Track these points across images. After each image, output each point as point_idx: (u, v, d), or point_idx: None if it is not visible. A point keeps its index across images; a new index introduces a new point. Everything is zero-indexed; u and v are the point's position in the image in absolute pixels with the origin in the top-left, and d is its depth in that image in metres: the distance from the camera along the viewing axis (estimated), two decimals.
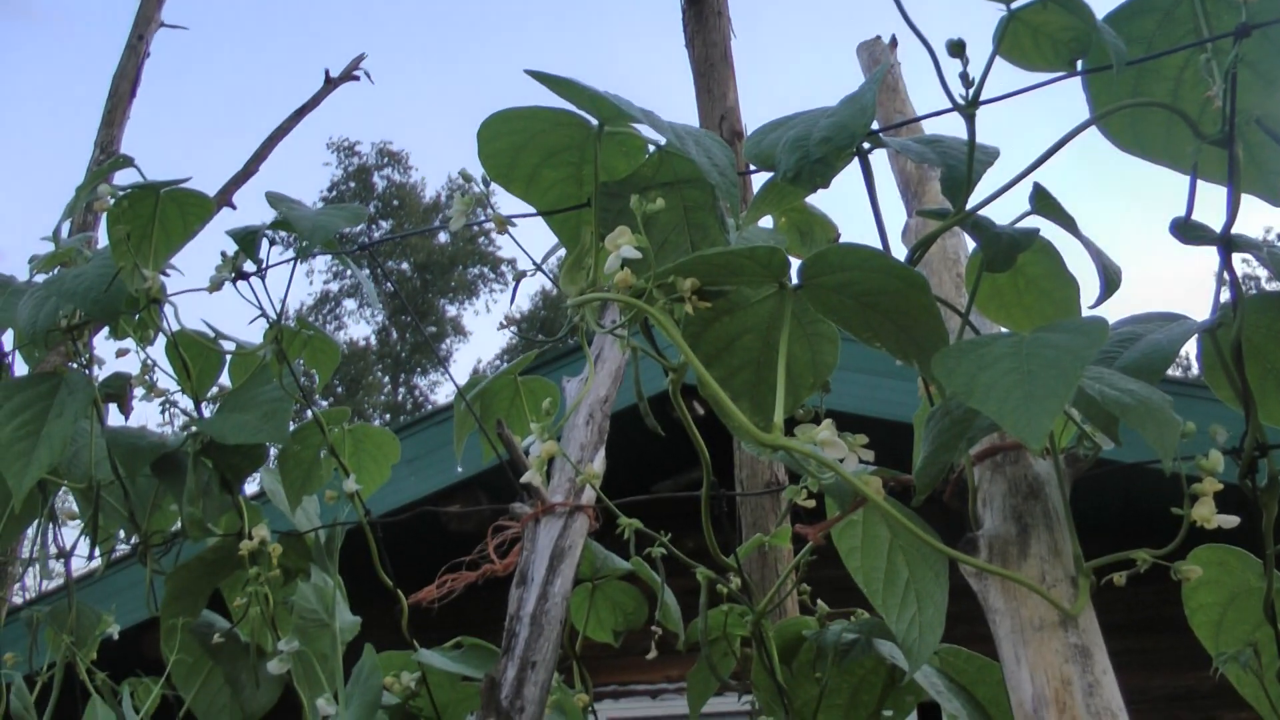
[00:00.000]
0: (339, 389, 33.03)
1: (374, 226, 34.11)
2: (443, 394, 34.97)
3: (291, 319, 2.02)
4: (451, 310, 35.78)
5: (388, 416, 32.92)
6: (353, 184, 35.72)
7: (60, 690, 2.30)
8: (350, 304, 35.27)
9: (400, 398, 34.61)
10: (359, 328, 35.36)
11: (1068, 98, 1.33)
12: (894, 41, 2.05)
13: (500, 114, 1.25)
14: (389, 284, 34.16)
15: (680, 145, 1.12)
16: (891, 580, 1.49)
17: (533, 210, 1.33)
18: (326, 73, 4.29)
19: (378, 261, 32.69)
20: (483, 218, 1.33)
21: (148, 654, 2.68)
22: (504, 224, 1.28)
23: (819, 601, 1.83)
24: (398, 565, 1.96)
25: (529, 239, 1.41)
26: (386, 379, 34.77)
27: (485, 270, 35.90)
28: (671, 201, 1.25)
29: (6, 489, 2.29)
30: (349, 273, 33.36)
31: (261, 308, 1.88)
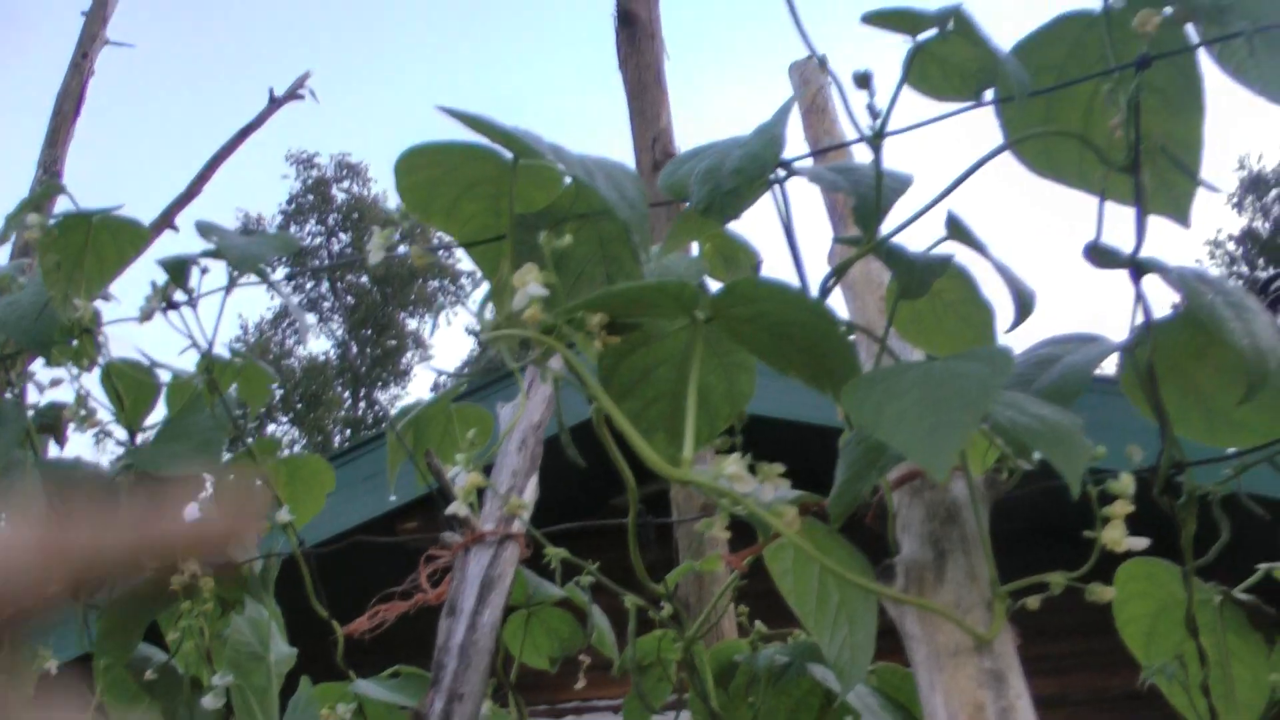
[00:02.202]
0: (299, 405, 32.96)
1: (333, 240, 34.13)
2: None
3: (244, 341, 2.02)
4: (412, 324, 35.73)
5: (348, 431, 32.85)
6: (311, 196, 35.60)
7: None
8: (310, 318, 35.18)
9: (360, 412, 34.53)
10: (319, 342, 35.26)
11: (988, 123, 1.35)
12: (823, 61, 2.06)
13: (417, 148, 1.25)
14: (349, 297, 34.09)
15: (589, 180, 1.13)
16: (823, 603, 1.50)
17: (454, 241, 1.34)
18: (271, 92, 4.27)
19: (339, 276, 32.64)
20: (401, 251, 1.33)
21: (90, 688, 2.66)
22: (423, 259, 1.29)
23: (756, 623, 1.83)
24: (339, 592, 1.95)
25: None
26: (347, 394, 34.68)
27: (445, 283, 35.86)
28: (587, 234, 1.26)
29: None
30: (309, 286, 33.33)
31: (192, 337, 1.88)
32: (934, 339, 1.42)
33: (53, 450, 2.16)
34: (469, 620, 1.50)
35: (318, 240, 34.57)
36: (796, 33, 1.17)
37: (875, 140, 1.15)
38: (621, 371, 1.19)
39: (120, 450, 2.07)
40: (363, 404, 34.93)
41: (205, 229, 1.81)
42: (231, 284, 1.83)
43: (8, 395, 2.14)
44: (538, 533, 1.62)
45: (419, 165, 1.27)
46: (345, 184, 36.37)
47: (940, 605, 1.14)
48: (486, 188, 1.29)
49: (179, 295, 1.90)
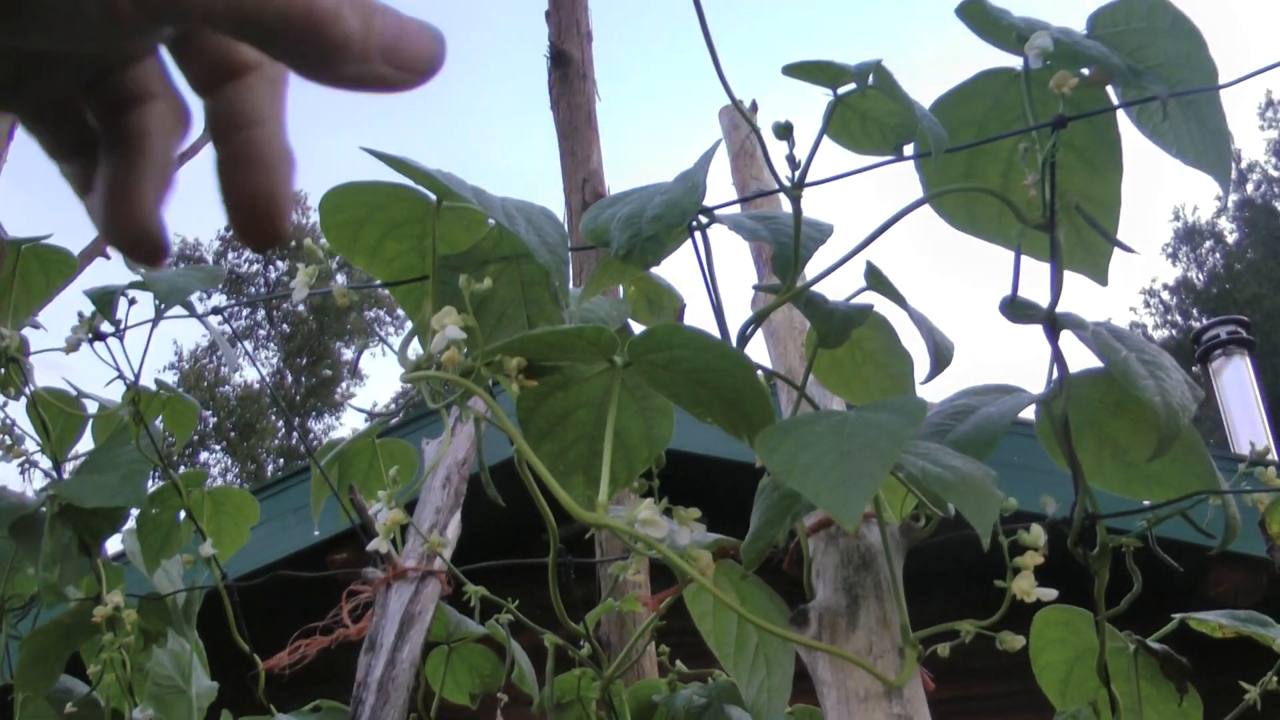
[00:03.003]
0: (232, 433, 32.72)
1: (270, 267, 33.95)
2: (339, 435, 34.71)
3: (178, 368, 2.01)
4: (347, 353, 35.57)
5: (281, 461, 32.62)
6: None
7: None
8: (247, 344, 34.94)
9: (294, 442, 34.32)
10: (251, 371, 35.01)
11: (908, 177, 1.37)
12: (754, 106, 2.08)
13: (341, 188, 1.26)
14: (284, 325, 33.90)
15: (510, 224, 1.14)
16: (742, 645, 1.51)
17: (377, 281, 1.34)
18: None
19: (275, 304, 32.41)
20: (327, 289, 1.33)
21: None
22: (346, 299, 1.29)
23: (677, 662, 1.84)
24: (267, 625, 1.95)
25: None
26: (280, 423, 34.47)
27: (381, 313, 35.74)
28: (509, 276, 1.27)
29: None
30: (245, 314, 33.13)
31: (119, 368, 1.87)
32: (853, 387, 1.44)
33: None
34: (389, 656, 1.51)
35: (254, 268, 34.45)
36: (718, 80, 1.19)
37: (795, 190, 1.17)
38: (541, 414, 1.20)
39: (47, 480, 2.06)
40: (295, 434, 34.73)
41: (131, 262, 1.81)
42: (159, 316, 1.83)
43: None
44: (457, 570, 1.63)
45: (344, 205, 1.28)
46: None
47: (850, 653, 1.16)
48: (411, 228, 1.30)
49: (106, 326, 1.89)
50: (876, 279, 1.27)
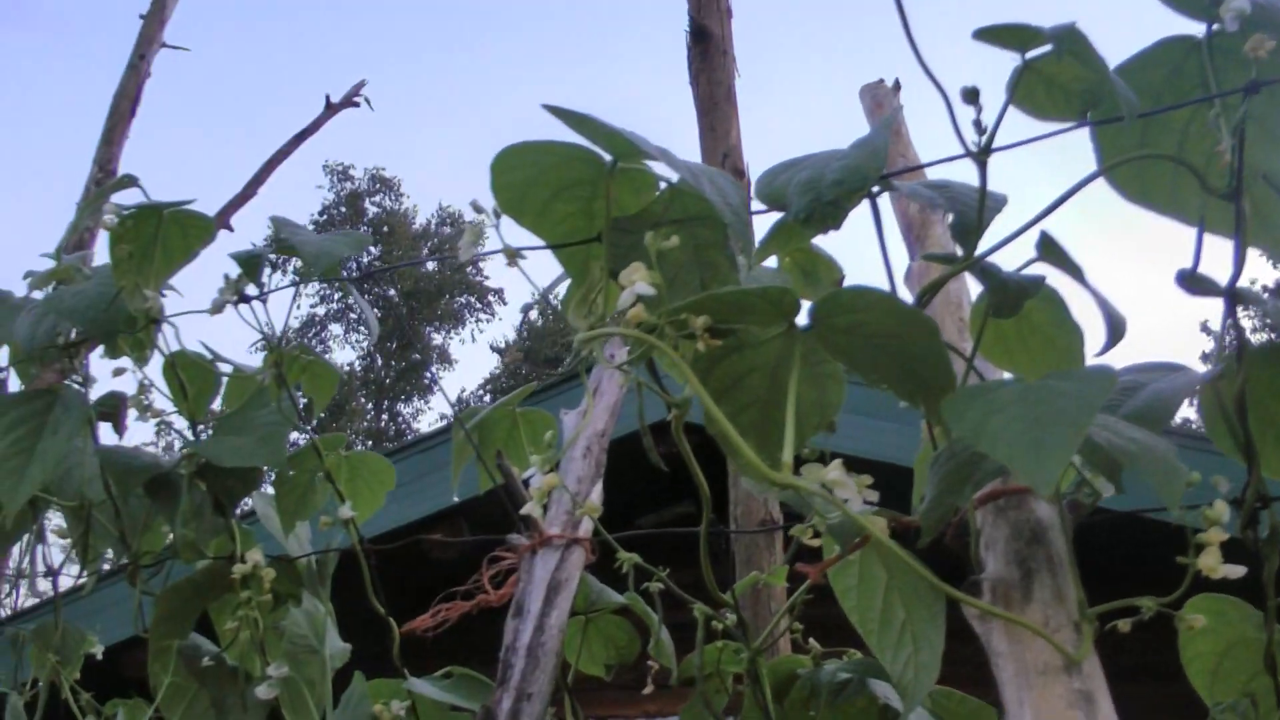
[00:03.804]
0: (322, 415, 33.00)
1: (364, 251, 34.15)
2: (425, 422, 34.98)
3: (293, 342, 2.02)
4: (437, 338, 35.80)
5: (370, 443, 32.89)
6: (344, 208, 35.73)
7: (45, 708, 2.29)
8: (336, 329, 35.27)
9: (383, 424, 34.57)
10: (344, 353, 35.33)
11: (1067, 150, 1.34)
12: (897, 85, 2.06)
13: (514, 147, 1.25)
14: (377, 311, 34.12)
15: (695, 183, 1.13)
16: (887, 621, 1.50)
17: (541, 243, 1.34)
18: (327, 98, 4.27)
19: (365, 288, 32.66)
20: (492, 249, 1.33)
21: (127, 674, 2.67)
22: (514, 256, 1.29)
23: (810, 640, 1.83)
24: (385, 593, 1.95)
25: (532, 269, 1.42)
26: (370, 405, 34.72)
27: (472, 300, 35.93)
28: (681, 239, 1.26)
29: None
30: (336, 297, 33.39)
31: (262, 331, 1.88)
32: (1018, 360, 1.41)
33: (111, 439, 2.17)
34: (536, 622, 1.50)
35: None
36: (909, 46, 1.17)
37: (981, 155, 1.15)
38: (714, 378, 1.19)
39: (181, 442, 2.08)
40: (385, 416, 34.97)
41: (279, 224, 1.82)
42: (302, 280, 1.84)
43: (69, 383, 2.15)
44: (610, 537, 1.62)
45: (515, 165, 1.27)
46: (377, 197, 36.54)
47: (1032, 622, 1.14)
48: (580, 190, 1.29)
49: (249, 290, 1.90)
50: (1050, 249, 1.25)
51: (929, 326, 1.10)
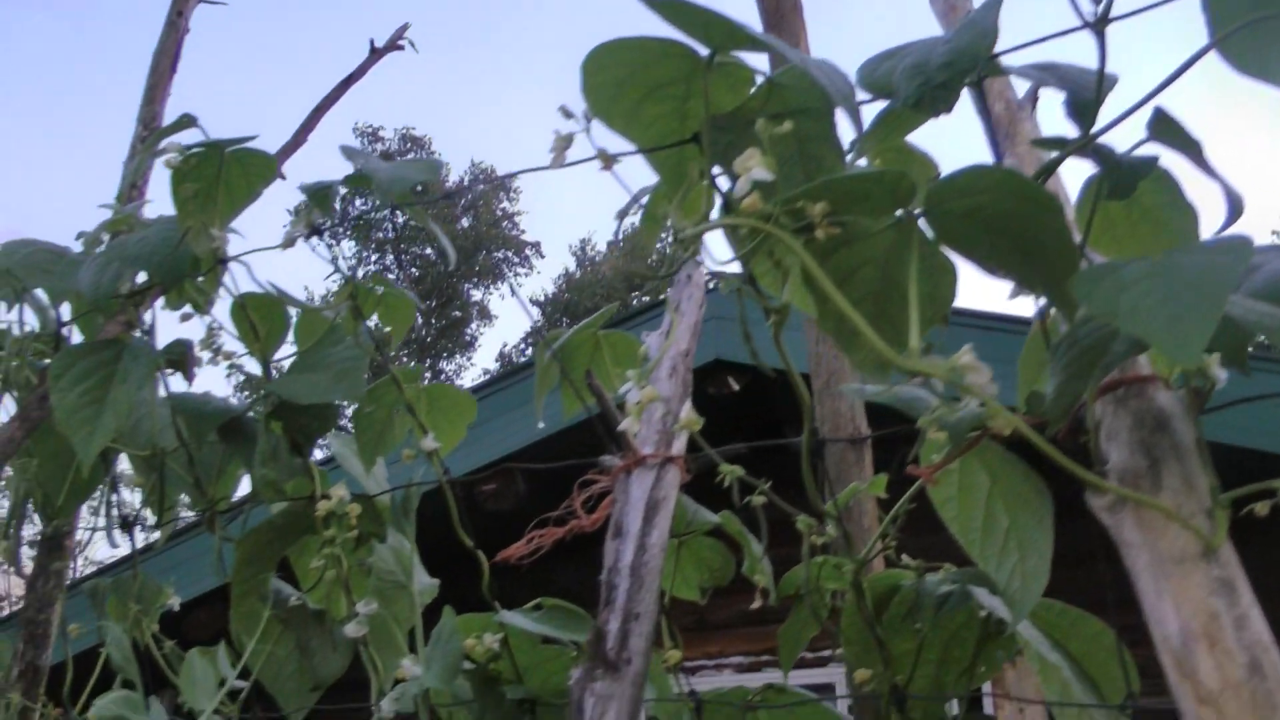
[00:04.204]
0: (367, 375, 33.12)
1: (398, 211, 34.18)
2: (469, 378, 35.06)
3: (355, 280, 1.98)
4: (476, 294, 35.83)
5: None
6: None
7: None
8: (376, 290, 35.31)
9: (426, 382, 34.63)
10: None
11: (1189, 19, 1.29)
12: None
13: (607, 45, 1.21)
14: (414, 269, 34.18)
15: (805, 68, 1.09)
16: (990, 529, 1.46)
17: (633, 148, 1.30)
18: (371, 43, 4.23)
19: (403, 249, 32.72)
20: (579, 158, 1.29)
21: (189, 636, 2.65)
22: (609, 160, 1.25)
23: (903, 556, 1.79)
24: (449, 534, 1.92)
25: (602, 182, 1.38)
26: (412, 363, 34.79)
27: (509, 254, 35.94)
28: (784, 135, 1.22)
29: (63, 460, 2.27)
30: (374, 258, 33.41)
31: (335, 263, 1.85)
32: (1126, 247, 1.37)
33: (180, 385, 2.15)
34: (637, 541, 1.47)
35: (382, 213, 34.82)
36: None
37: (1100, 25, 1.10)
38: (823, 273, 1.15)
39: (246, 386, 2.06)
40: (428, 374, 35.07)
41: (350, 153, 1.78)
42: (374, 210, 1.80)
43: (136, 333, 2.13)
44: (713, 451, 1.58)
45: (606, 64, 1.24)
46: (409, 156, 36.51)
47: (1168, 506, 1.10)
48: (674, 89, 1.25)
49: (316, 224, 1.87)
50: (1165, 126, 1.20)
51: (1054, 206, 1.05)
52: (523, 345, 35.42)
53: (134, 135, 3.66)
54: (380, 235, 33.56)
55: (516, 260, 36.02)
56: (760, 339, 1.39)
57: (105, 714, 1.32)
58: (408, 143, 36.44)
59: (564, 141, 1.26)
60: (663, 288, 1.69)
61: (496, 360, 35.52)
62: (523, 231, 35.82)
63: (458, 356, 35.49)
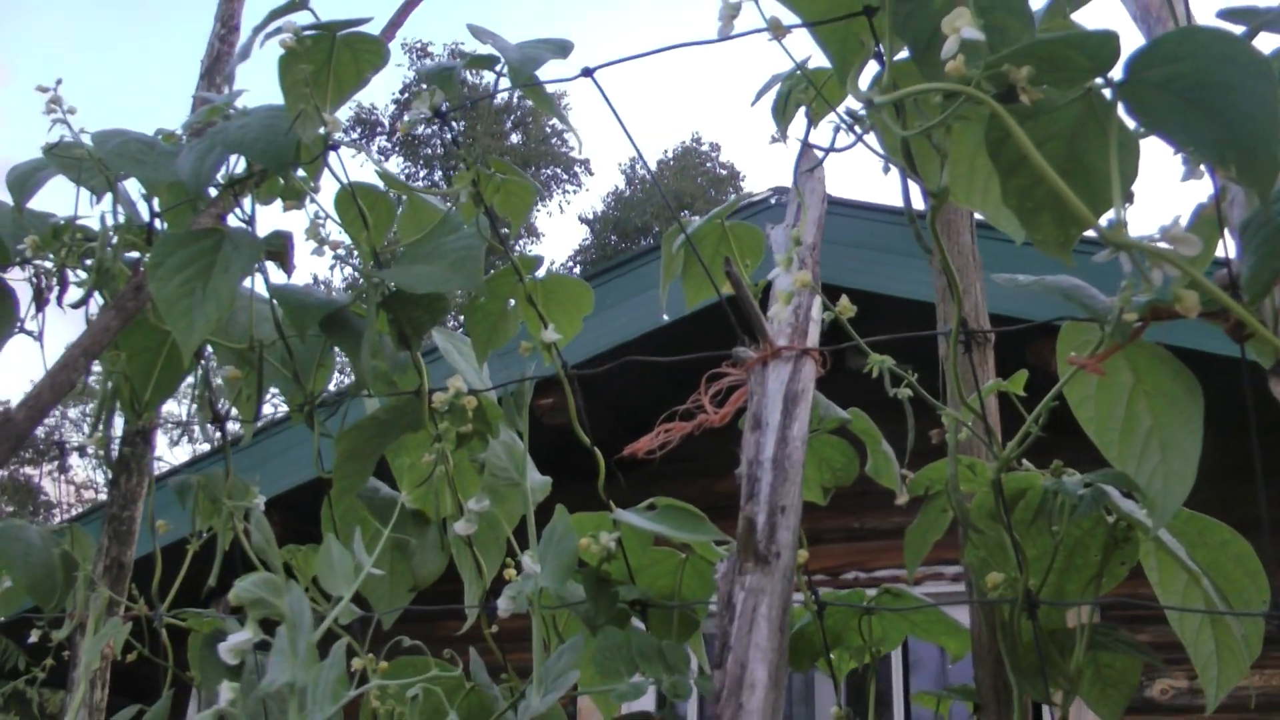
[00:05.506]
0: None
1: (445, 128, 33.97)
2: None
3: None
4: None
5: (460, 316, 33.09)
6: (424, 86, 35.60)
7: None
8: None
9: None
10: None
11: None
12: None
13: None
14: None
15: None
16: (1130, 429, 1.41)
17: (799, 21, 1.25)
18: None
19: (451, 166, 32.64)
20: (748, 31, 1.24)
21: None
22: (781, 30, 1.20)
23: (1023, 462, 1.75)
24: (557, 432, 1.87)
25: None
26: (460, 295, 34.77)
27: (558, 171, 35.81)
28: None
29: (152, 354, 2.24)
30: (423, 173, 33.37)
31: (456, 143, 1.81)
32: None
33: (279, 277, 2.11)
34: (778, 433, 1.43)
35: (430, 131, 34.75)
36: None
37: None
38: (1009, 146, 1.11)
39: (347, 277, 2.02)
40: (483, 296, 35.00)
41: (478, 32, 1.74)
42: (514, 85, 1.74)
43: (235, 223, 2.09)
44: (862, 341, 1.53)
45: None
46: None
47: None
48: None
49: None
50: None
51: (1263, 70, 1.00)
52: (569, 263, 35.39)
53: (212, 33, 3.61)
54: (427, 152, 33.55)
55: (565, 177, 35.90)
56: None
57: (245, 595, 1.29)
58: (456, 58, 36.23)
59: (731, 10, 1.21)
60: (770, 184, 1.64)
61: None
62: (571, 149, 35.69)
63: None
